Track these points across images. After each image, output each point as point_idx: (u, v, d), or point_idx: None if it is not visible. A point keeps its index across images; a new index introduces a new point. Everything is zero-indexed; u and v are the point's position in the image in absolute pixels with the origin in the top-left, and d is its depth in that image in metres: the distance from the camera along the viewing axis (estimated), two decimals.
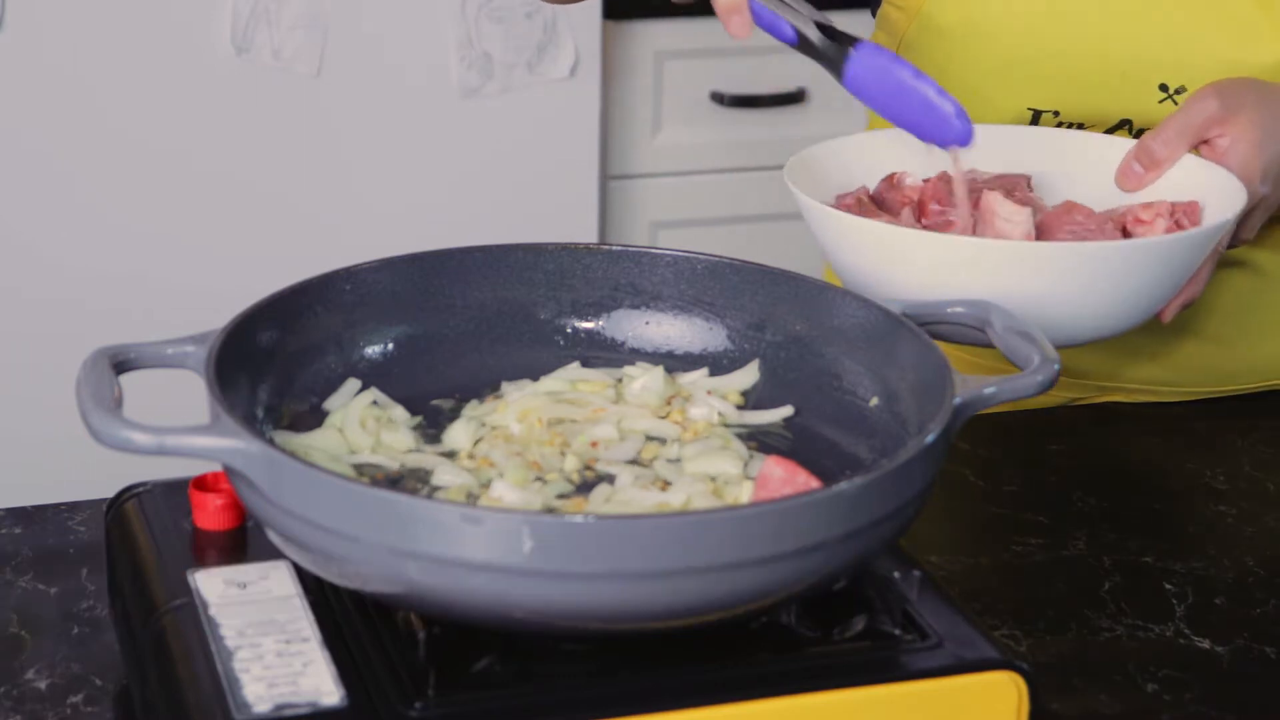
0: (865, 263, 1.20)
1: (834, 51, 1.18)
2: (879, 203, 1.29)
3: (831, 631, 0.93)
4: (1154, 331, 1.45)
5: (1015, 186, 1.28)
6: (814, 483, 0.95)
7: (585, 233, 2.46)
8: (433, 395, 1.08)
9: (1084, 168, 1.32)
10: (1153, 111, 1.36)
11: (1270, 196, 1.27)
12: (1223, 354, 1.46)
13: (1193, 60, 1.34)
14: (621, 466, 1.01)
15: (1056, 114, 1.39)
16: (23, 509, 1.18)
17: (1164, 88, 1.36)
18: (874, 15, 1.52)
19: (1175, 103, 1.35)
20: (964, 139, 1.17)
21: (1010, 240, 1.20)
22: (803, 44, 1.19)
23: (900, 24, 1.46)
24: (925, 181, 1.28)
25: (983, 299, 1.11)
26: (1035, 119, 1.39)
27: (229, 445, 0.88)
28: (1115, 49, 1.36)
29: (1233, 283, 1.44)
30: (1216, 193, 1.24)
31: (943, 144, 1.18)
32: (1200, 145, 1.27)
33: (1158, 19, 1.35)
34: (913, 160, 1.30)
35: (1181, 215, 1.24)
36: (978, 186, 1.28)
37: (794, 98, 2.56)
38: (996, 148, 1.32)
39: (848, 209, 1.25)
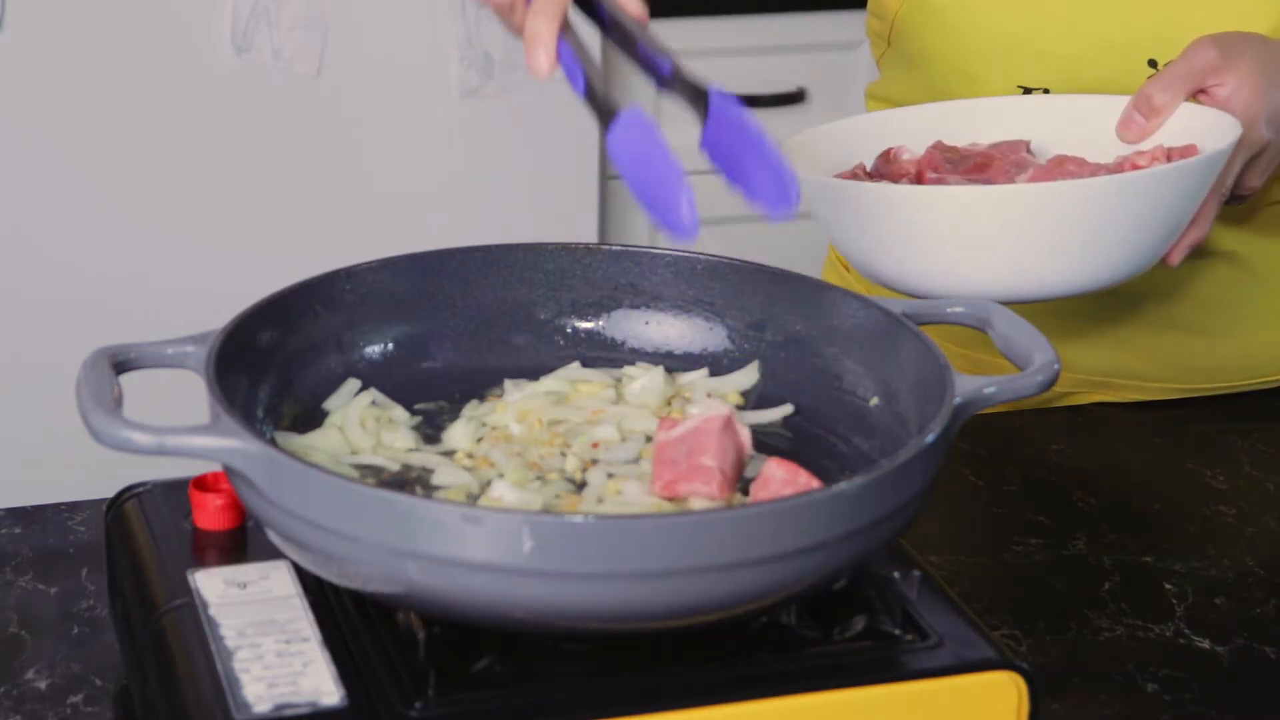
0: (867, 230, 1.20)
1: (606, 109, 1.06)
2: (877, 179, 1.29)
3: (831, 631, 0.93)
4: (1141, 324, 1.45)
5: (1014, 151, 1.28)
6: (814, 483, 0.95)
7: (585, 233, 2.46)
8: (433, 395, 1.08)
9: (1083, 129, 1.32)
10: None
11: (1276, 142, 1.26)
12: (1210, 348, 1.46)
13: (1181, 36, 1.34)
14: (622, 467, 1.01)
15: (1046, 91, 1.39)
16: (23, 509, 1.18)
17: (1153, 64, 1.36)
18: None
19: None
20: (689, 232, 1.02)
21: (1007, 185, 1.21)
22: (589, 96, 1.07)
23: (891, 6, 1.46)
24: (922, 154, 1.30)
25: (988, 270, 1.13)
26: None
27: (229, 445, 0.88)
28: (1104, 25, 1.37)
29: (1216, 275, 1.44)
30: (1214, 134, 1.24)
31: (668, 227, 1.03)
32: (1199, 95, 1.27)
33: None
34: (907, 138, 1.31)
35: (1178, 157, 1.24)
36: (978, 153, 1.29)
37: (794, 98, 2.56)
38: (994, 118, 1.33)
39: None
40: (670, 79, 1.09)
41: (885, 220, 1.20)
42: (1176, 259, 1.25)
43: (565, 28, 1.07)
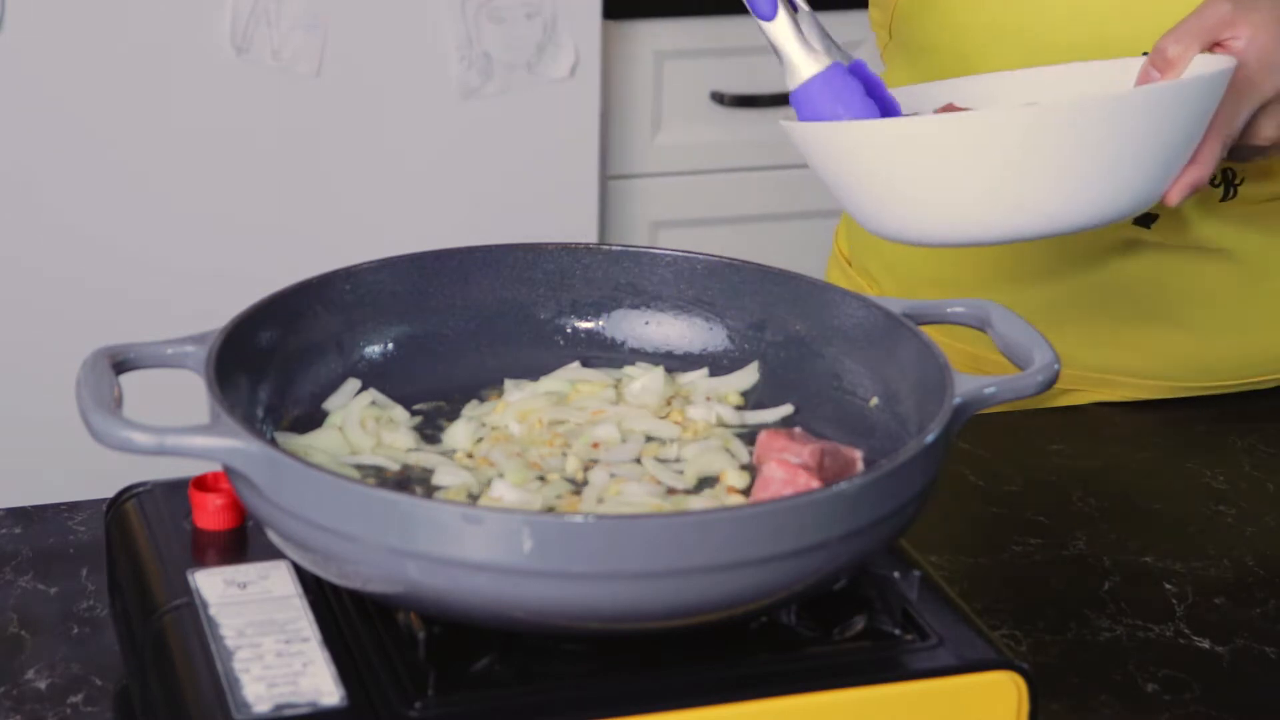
0: (870, 173, 1.19)
1: (801, 57, 1.16)
2: None
3: (831, 631, 0.93)
4: (1138, 320, 1.45)
5: None
6: (814, 483, 0.95)
7: (585, 233, 2.46)
8: (433, 395, 1.08)
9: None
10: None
11: None
12: (1206, 346, 1.46)
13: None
14: (622, 467, 1.01)
15: None
16: (23, 509, 1.18)
17: (1147, 55, 1.36)
18: None
19: None
20: (767, 13, 1.13)
21: (1001, 109, 1.21)
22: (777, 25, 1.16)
23: None
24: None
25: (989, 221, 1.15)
26: None
27: (229, 445, 0.88)
28: (1102, 18, 1.36)
29: (1213, 272, 1.44)
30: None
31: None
32: (1215, 48, 1.26)
33: None
34: (918, 111, 1.30)
35: None
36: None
37: None
38: (1009, 90, 1.32)
39: None
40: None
41: (887, 159, 1.18)
42: (1176, 197, 1.23)
43: None
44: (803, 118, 1.19)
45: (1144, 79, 1.28)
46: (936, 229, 1.20)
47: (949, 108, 1.30)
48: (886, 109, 1.20)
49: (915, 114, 1.30)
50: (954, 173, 1.16)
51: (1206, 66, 1.24)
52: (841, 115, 1.17)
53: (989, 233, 1.19)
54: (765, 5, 1.16)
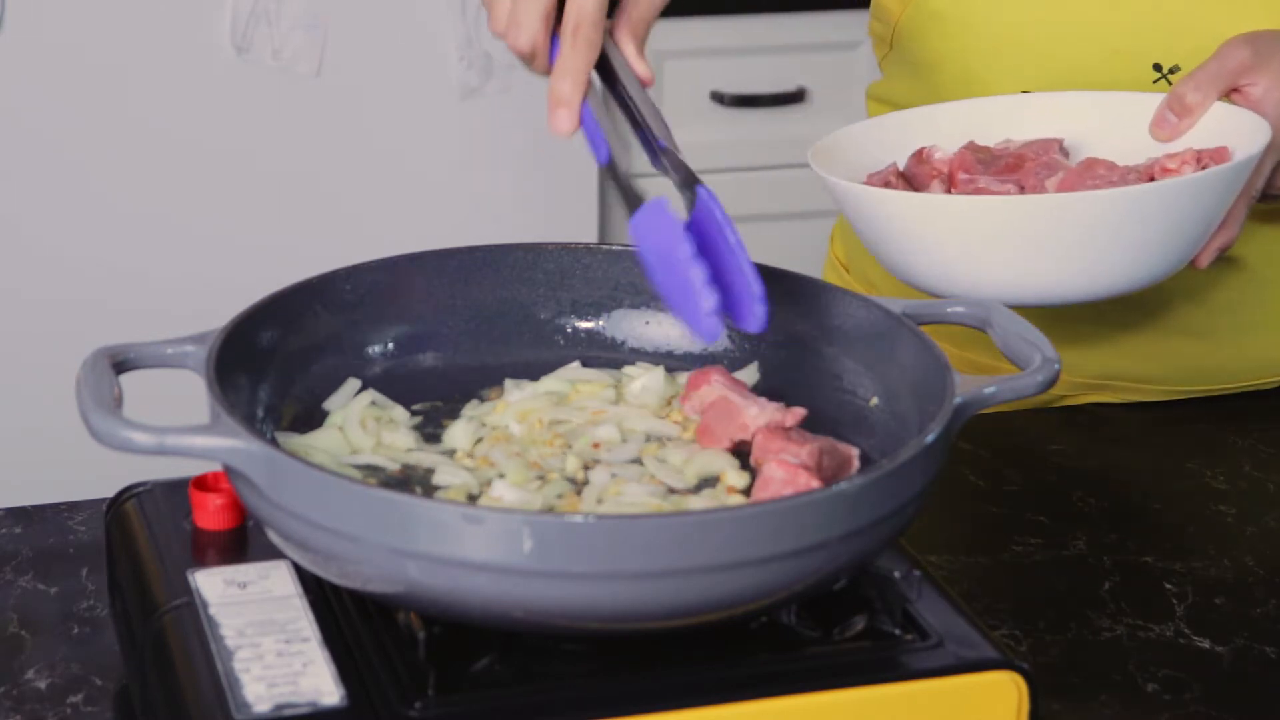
0: (901, 236, 1.21)
1: (632, 195, 1.03)
2: (909, 179, 1.29)
3: (831, 631, 0.93)
4: (1141, 328, 1.45)
5: (1047, 150, 1.29)
6: (814, 483, 0.95)
7: (585, 233, 2.46)
8: (433, 395, 1.08)
9: (1117, 126, 1.32)
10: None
11: None
12: (1210, 351, 1.46)
13: (1185, 39, 1.33)
14: (622, 467, 1.01)
15: None
16: (23, 509, 1.18)
17: (1157, 67, 1.36)
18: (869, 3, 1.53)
19: (1169, 82, 1.35)
20: (710, 336, 0.98)
21: (1036, 195, 1.22)
22: (610, 169, 1.05)
23: (894, 10, 1.46)
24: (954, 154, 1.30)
25: (1008, 275, 1.17)
26: None
27: (229, 445, 0.88)
28: (1108, 29, 1.36)
29: (1219, 279, 1.44)
30: (1245, 136, 1.24)
31: (693, 331, 0.99)
32: (1232, 94, 1.27)
33: None
34: (938, 136, 1.31)
35: (1209, 160, 1.24)
36: (1010, 154, 1.29)
37: (794, 97, 2.56)
38: (1027, 116, 1.33)
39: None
40: (660, 153, 1.08)
41: (916, 227, 1.20)
42: (1205, 261, 1.26)
43: (589, 90, 1.09)
44: (640, 246, 1.04)
45: (1160, 121, 1.29)
46: (958, 288, 1.22)
47: (971, 146, 1.30)
48: (705, 239, 1.03)
49: (925, 144, 1.31)
50: (988, 244, 1.19)
51: (1229, 120, 1.25)
52: (662, 245, 1.01)
53: (1017, 298, 1.21)
54: (600, 151, 1.07)
